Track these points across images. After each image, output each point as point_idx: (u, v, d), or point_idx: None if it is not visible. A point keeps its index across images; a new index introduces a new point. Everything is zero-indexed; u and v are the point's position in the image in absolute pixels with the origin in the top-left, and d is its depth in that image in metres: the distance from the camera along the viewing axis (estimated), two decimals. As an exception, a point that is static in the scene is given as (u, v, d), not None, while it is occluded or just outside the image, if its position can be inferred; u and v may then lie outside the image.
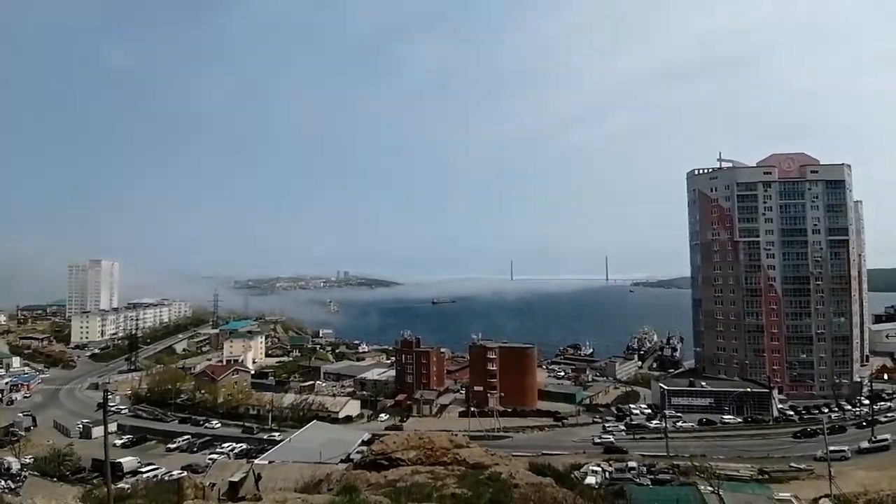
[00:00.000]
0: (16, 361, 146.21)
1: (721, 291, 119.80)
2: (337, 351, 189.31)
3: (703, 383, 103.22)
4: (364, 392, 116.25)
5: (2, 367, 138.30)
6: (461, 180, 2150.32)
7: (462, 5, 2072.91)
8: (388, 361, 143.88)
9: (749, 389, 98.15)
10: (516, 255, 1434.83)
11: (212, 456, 74.03)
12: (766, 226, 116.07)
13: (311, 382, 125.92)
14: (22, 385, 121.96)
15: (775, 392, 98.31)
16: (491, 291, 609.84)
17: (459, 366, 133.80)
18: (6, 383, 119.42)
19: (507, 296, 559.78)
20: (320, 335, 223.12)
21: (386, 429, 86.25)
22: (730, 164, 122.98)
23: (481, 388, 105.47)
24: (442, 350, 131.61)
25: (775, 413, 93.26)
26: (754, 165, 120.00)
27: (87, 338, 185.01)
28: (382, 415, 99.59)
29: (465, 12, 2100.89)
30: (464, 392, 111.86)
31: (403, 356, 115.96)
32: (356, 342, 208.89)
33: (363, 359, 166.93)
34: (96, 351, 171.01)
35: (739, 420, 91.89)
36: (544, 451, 69.70)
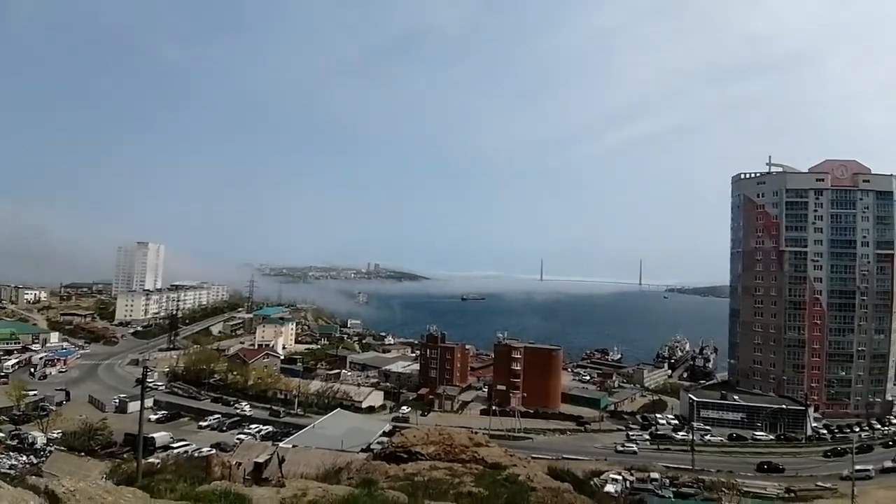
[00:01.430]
0: (54, 336, 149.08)
1: (762, 302, 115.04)
2: (363, 342, 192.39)
3: (736, 397, 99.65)
4: (388, 384, 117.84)
5: (37, 342, 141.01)
6: (495, 177, 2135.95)
7: (503, 3, 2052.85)
8: (413, 355, 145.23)
9: (784, 406, 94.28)
10: (547, 255, 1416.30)
11: (239, 436, 76.81)
12: (815, 235, 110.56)
13: (337, 371, 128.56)
14: (58, 360, 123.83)
15: (811, 410, 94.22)
16: (519, 290, 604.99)
17: (483, 363, 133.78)
18: (40, 358, 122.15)
19: (535, 296, 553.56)
20: (348, 325, 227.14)
21: (393, 420, 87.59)
22: (779, 169, 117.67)
23: (504, 388, 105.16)
24: (467, 347, 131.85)
25: (809, 432, 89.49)
26: (806, 171, 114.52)
27: (130, 316, 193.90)
28: (404, 407, 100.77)
29: (505, 9, 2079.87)
30: (486, 390, 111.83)
31: (428, 350, 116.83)
32: (382, 334, 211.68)
33: (389, 351, 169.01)
34: (139, 328, 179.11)
35: (772, 437, 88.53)
36: (564, 456, 68.99)
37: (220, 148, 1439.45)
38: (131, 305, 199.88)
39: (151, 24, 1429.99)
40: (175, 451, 62.76)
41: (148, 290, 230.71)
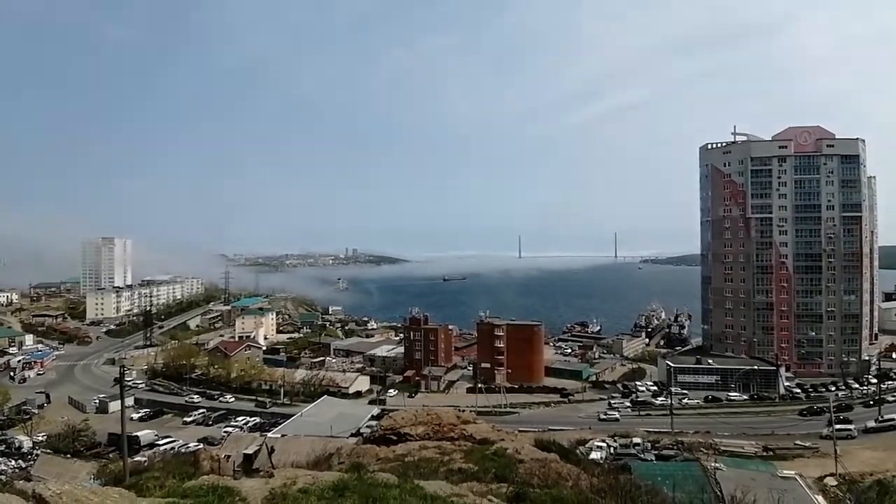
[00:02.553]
0: (29, 339, 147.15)
1: (731, 269, 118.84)
2: (346, 328, 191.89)
3: (710, 361, 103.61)
4: (373, 368, 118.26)
5: (14, 345, 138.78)
6: (470, 156, 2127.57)
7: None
8: (397, 338, 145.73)
9: (756, 367, 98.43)
10: (524, 233, 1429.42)
11: (226, 429, 76.28)
12: (780, 202, 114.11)
13: (322, 358, 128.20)
14: (35, 362, 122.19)
15: (782, 370, 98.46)
16: (498, 269, 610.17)
17: (467, 343, 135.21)
18: (18, 361, 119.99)
19: (514, 273, 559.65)
20: (330, 312, 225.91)
21: (377, 403, 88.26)
22: (744, 138, 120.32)
23: (489, 365, 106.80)
24: (450, 327, 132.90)
25: (782, 391, 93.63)
26: (769, 139, 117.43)
27: (102, 314, 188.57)
28: (391, 390, 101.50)
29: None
30: (471, 369, 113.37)
31: (412, 333, 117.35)
32: (365, 319, 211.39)
33: (372, 336, 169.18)
34: (112, 327, 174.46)
35: (745, 397, 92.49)
36: (550, 427, 70.94)
37: (183, 137, 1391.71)
38: (102, 303, 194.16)
39: (101, 2, 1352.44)
40: (161, 448, 62.11)
41: (118, 286, 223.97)
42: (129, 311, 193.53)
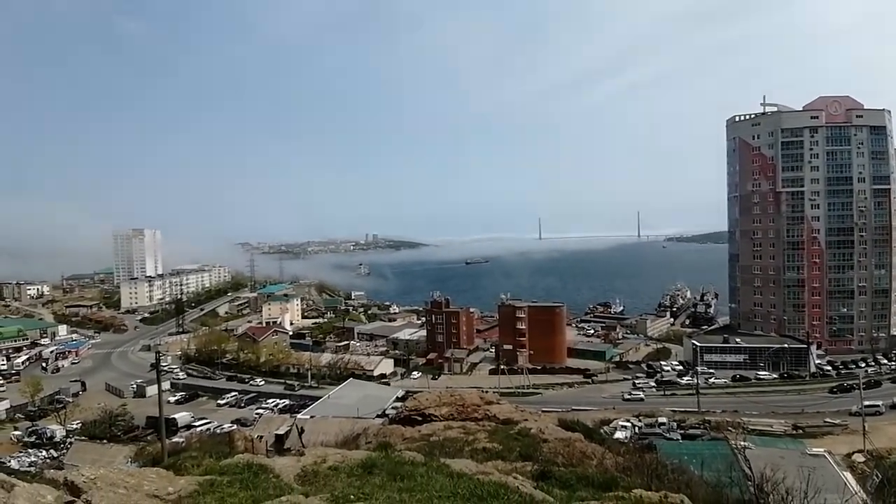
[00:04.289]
0: (62, 329, 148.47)
1: (760, 245, 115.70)
2: (369, 312, 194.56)
3: (738, 339, 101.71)
4: (397, 351, 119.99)
5: (46, 336, 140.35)
6: (490, 137, 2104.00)
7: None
8: (419, 322, 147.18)
9: (786, 345, 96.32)
10: (545, 214, 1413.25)
11: (258, 411, 78.70)
12: (812, 174, 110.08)
13: (346, 342, 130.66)
14: (70, 352, 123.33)
15: (813, 347, 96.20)
16: (519, 251, 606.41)
17: (488, 325, 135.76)
18: (51, 351, 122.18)
19: (534, 255, 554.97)
20: (352, 297, 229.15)
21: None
22: (773, 110, 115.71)
23: (510, 347, 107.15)
24: (471, 310, 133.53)
25: (812, 369, 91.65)
26: (800, 110, 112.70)
27: (136, 303, 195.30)
28: (415, 373, 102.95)
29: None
30: (493, 351, 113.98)
31: (434, 316, 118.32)
32: (387, 303, 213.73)
33: (394, 319, 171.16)
34: (146, 315, 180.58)
35: (775, 376, 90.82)
36: (574, 408, 70.97)
37: (205, 126, 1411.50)
38: (135, 292, 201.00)
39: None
40: (197, 429, 64.20)
41: (150, 276, 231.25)
42: (161, 299, 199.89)
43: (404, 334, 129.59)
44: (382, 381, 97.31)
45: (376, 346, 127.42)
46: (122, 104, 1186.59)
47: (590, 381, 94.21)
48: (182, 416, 71.72)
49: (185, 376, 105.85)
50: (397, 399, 73.99)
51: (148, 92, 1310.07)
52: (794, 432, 56.56)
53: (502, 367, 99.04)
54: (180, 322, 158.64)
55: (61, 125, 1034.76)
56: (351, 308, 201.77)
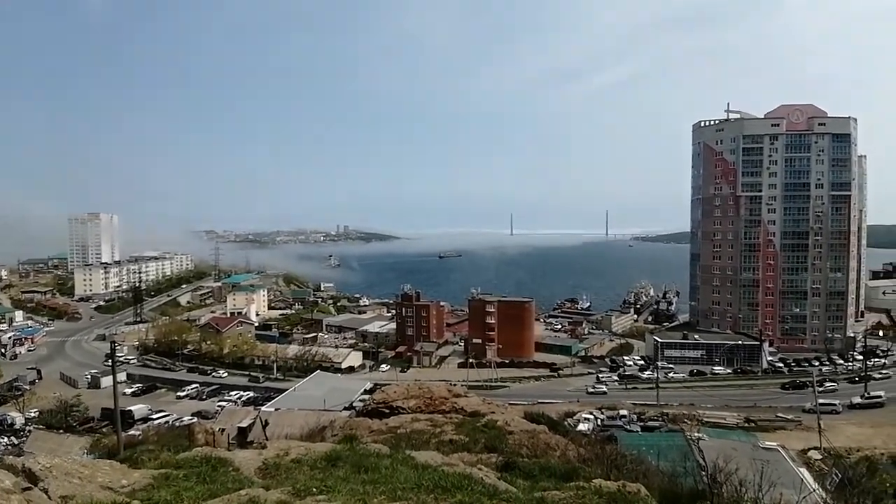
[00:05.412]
0: (19, 315, 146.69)
1: (719, 246, 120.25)
2: (338, 304, 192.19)
3: (696, 336, 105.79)
4: (366, 344, 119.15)
5: (3, 322, 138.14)
6: (460, 132, 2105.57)
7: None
8: (389, 315, 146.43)
9: (740, 342, 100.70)
10: (517, 210, 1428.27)
11: (220, 403, 76.96)
12: (770, 180, 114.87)
13: (314, 334, 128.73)
14: (26, 339, 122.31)
15: (766, 345, 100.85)
16: (490, 246, 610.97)
17: (458, 319, 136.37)
18: (9, 337, 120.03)
19: (506, 250, 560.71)
20: (322, 289, 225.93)
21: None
22: (737, 116, 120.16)
23: (480, 341, 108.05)
24: (441, 304, 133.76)
25: (765, 365, 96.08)
26: (762, 117, 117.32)
27: (90, 290, 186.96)
28: (384, 366, 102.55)
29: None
30: (463, 344, 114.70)
31: (404, 309, 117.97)
32: (357, 295, 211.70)
33: (364, 312, 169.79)
34: (101, 303, 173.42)
35: (729, 371, 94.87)
36: (539, 400, 72.41)
37: (172, 111, 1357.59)
38: (90, 279, 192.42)
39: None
40: (155, 422, 62.55)
41: (106, 262, 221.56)
42: (117, 287, 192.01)
43: (374, 327, 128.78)
44: (351, 373, 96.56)
45: (345, 338, 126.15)
46: (80, 81, 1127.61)
47: (556, 374, 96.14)
48: (139, 409, 69.79)
49: (143, 367, 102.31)
50: (365, 392, 73.66)
51: (108, 70, 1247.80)
52: (747, 425, 59.21)
53: (471, 360, 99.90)
54: (138, 311, 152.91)
55: (24, 105, 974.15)
56: (320, 300, 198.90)
